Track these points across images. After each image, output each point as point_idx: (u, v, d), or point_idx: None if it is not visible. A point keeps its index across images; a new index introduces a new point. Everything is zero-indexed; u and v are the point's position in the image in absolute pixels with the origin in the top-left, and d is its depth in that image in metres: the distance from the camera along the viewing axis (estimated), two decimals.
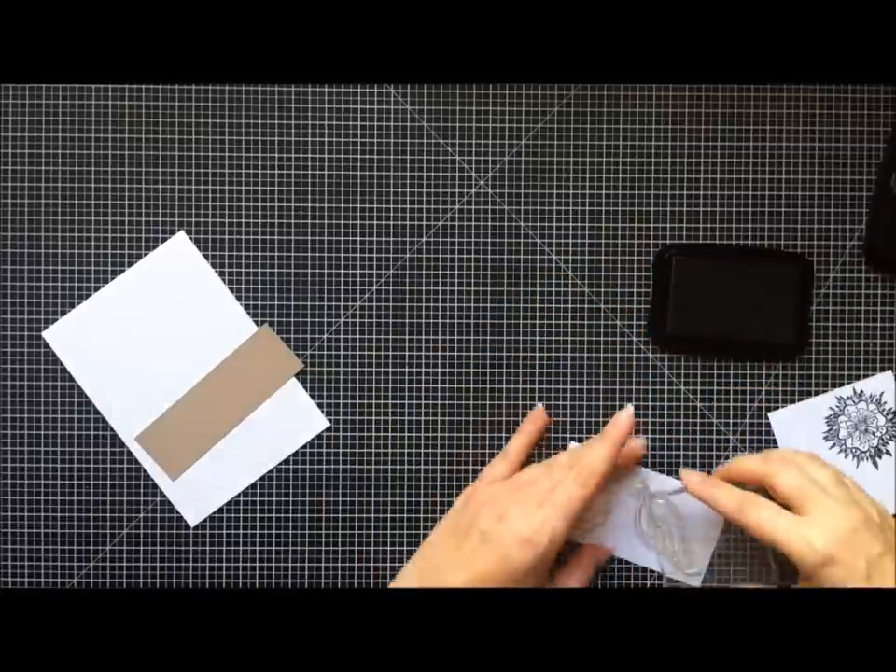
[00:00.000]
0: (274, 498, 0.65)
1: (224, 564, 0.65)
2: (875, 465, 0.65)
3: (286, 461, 0.65)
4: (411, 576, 0.59)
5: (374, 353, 0.65)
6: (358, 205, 0.65)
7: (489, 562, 0.56)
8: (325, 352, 0.65)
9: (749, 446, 0.65)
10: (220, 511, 0.65)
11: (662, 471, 0.65)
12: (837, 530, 0.54)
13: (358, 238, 0.65)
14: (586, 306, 0.65)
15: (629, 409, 0.60)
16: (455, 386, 0.65)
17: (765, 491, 0.58)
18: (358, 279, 0.65)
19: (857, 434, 0.65)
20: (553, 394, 0.65)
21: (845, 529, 0.54)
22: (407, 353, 0.65)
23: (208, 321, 0.64)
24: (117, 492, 0.64)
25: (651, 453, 0.65)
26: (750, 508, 0.56)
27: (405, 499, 0.65)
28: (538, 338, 0.65)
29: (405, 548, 0.65)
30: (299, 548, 0.65)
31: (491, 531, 0.57)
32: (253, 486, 0.65)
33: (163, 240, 0.65)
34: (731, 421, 0.65)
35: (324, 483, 0.65)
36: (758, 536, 0.55)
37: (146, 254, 0.64)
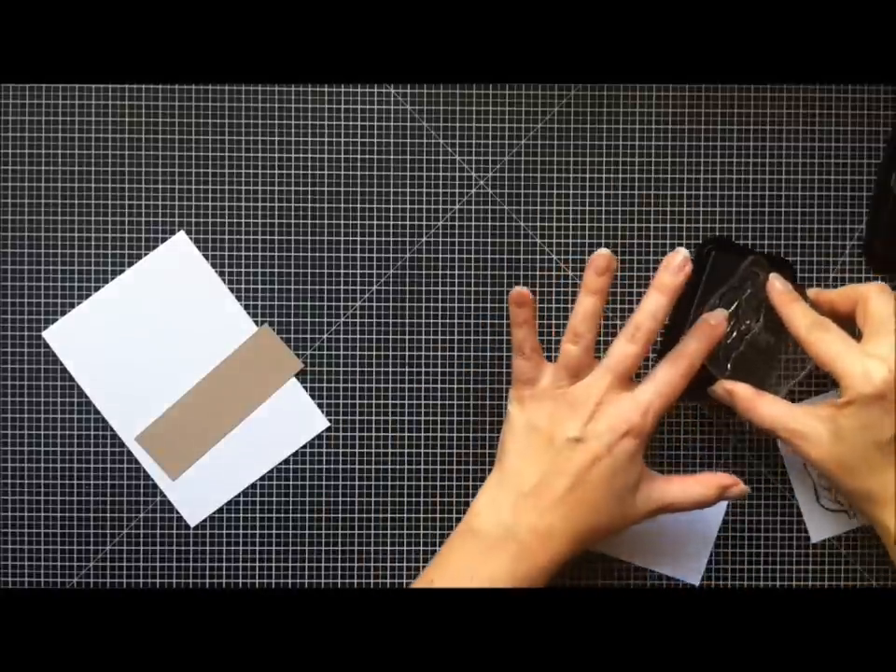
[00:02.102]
0: (274, 498, 0.65)
1: (224, 564, 0.65)
2: None
3: (286, 461, 0.65)
4: (494, 502, 0.56)
5: (374, 353, 0.65)
6: (358, 205, 0.65)
7: (591, 462, 0.54)
8: (325, 352, 0.65)
9: (749, 446, 0.65)
10: (220, 510, 0.65)
11: (661, 472, 0.65)
12: None
13: (358, 238, 0.65)
14: None
15: (681, 252, 0.58)
16: (455, 386, 0.65)
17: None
18: (358, 279, 0.65)
19: None
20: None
21: None
22: (407, 353, 0.65)
23: (208, 321, 0.64)
24: (117, 492, 0.64)
25: (651, 453, 0.65)
26: (819, 331, 0.56)
27: (405, 499, 0.65)
28: (537, 339, 0.65)
29: (405, 548, 0.65)
30: (299, 548, 0.65)
31: (585, 433, 0.55)
32: (253, 486, 0.65)
33: (163, 240, 0.65)
34: (731, 421, 0.65)
35: (324, 483, 0.65)
36: (820, 359, 0.55)
37: (146, 254, 0.64)
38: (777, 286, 0.58)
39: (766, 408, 0.57)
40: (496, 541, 0.55)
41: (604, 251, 0.57)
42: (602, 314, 0.58)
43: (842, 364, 0.54)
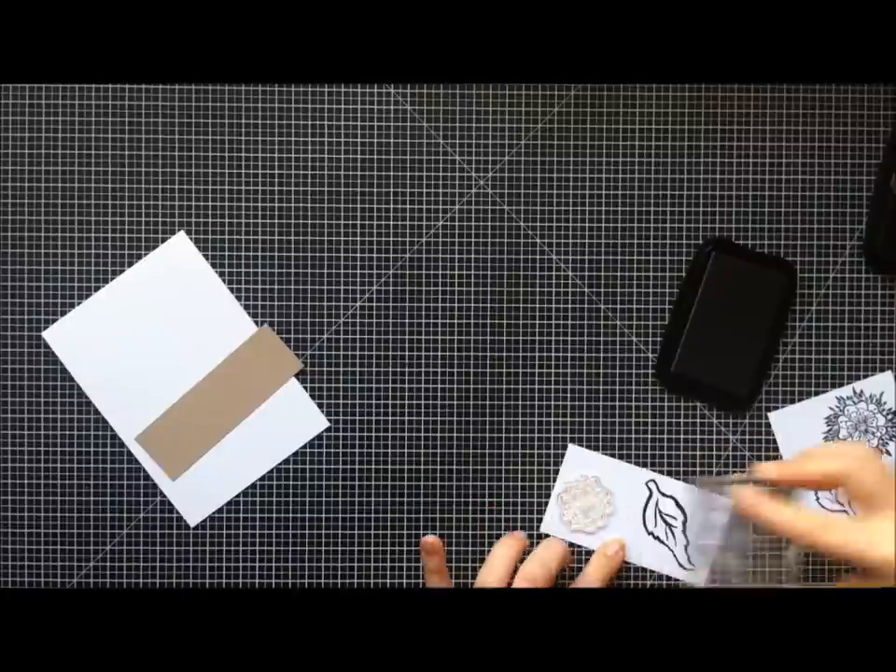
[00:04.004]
0: (274, 498, 0.65)
1: (224, 564, 0.65)
2: None
3: (286, 461, 0.65)
4: None
5: (374, 353, 0.65)
6: (358, 205, 0.65)
7: None
8: (325, 352, 0.65)
9: (749, 446, 0.65)
10: (220, 511, 0.65)
11: (661, 471, 0.65)
12: None
13: (358, 238, 0.65)
14: (586, 306, 0.65)
15: None
16: (455, 386, 0.65)
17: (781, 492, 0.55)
18: (358, 279, 0.65)
19: (857, 434, 0.65)
20: (553, 394, 0.65)
21: None
22: (407, 353, 0.65)
23: (208, 321, 0.64)
24: (117, 492, 0.64)
25: (652, 453, 0.65)
26: (823, 531, 0.51)
27: (405, 499, 0.65)
28: (538, 338, 0.65)
29: (405, 548, 0.65)
30: (299, 548, 0.65)
31: None
32: (253, 486, 0.65)
33: (163, 240, 0.65)
34: (731, 421, 0.65)
35: (324, 483, 0.65)
36: (832, 556, 0.52)
37: (146, 254, 0.64)
38: (747, 500, 0.53)
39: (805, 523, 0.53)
40: None
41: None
42: (514, 559, 0.61)
43: (857, 553, 0.51)
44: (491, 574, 0.60)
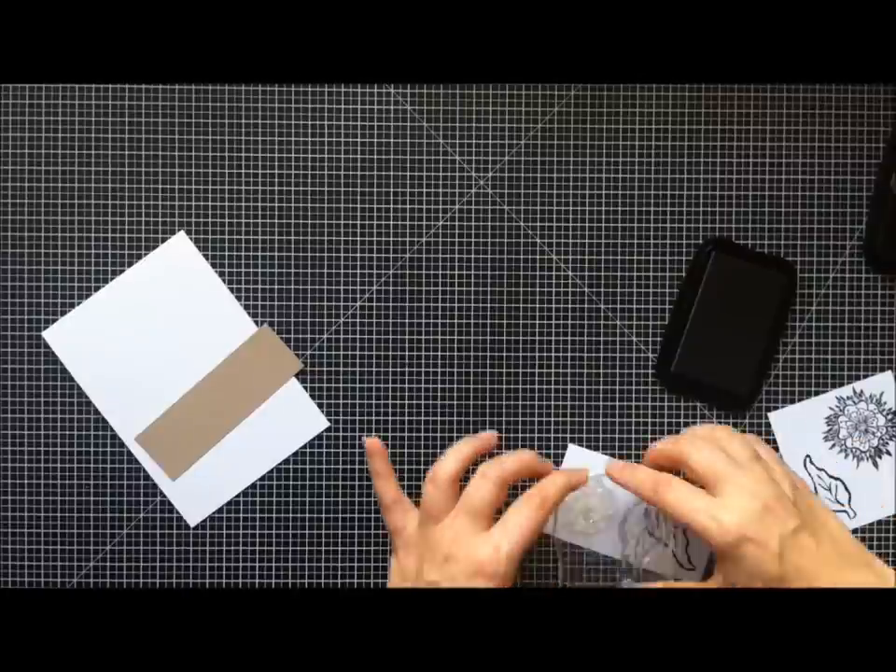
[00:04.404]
0: (274, 498, 0.65)
1: (224, 564, 0.65)
2: (875, 465, 0.65)
3: (286, 461, 0.65)
4: None
5: (374, 353, 0.65)
6: (358, 205, 0.65)
7: None
8: (325, 352, 0.65)
9: None
10: (220, 510, 0.65)
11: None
12: (748, 509, 0.53)
13: (358, 238, 0.65)
14: (586, 306, 0.65)
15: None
16: (455, 386, 0.65)
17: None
18: (358, 279, 0.65)
19: (857, 434, 0.65)
20: (552, 394, 0.65)
21: (756, 508, 0.53)
22: (407, 353, 0.65)
23: (208, 321, 0.64)
24: (117, 492, 0.64)
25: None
26: (665, 488, 0.55)
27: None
28: (538, 338, 0.65)
29: None
30: (299, 548, 0.65)
31: (442, 576, 0.56)
32: (253, 486, 0.65)
33: (163, 240, 0.65)
34: (731, 421, 0.65)
35: (324, 483, 0.65)
36: (673, 516, 0.55)
37: (146, 254, 0.64)
38: (613, 466, 0.58)
39: None
40: None
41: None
42: (469, 458, 0.58)
43: (695, 519, 0.54)
44: (441, 468, 0.58)
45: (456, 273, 0.65)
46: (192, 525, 0.65)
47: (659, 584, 0.59)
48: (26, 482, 0.64)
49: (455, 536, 0.56)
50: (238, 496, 0.65)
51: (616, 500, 0.64)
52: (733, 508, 0.53)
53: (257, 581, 0.65)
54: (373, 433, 0.65)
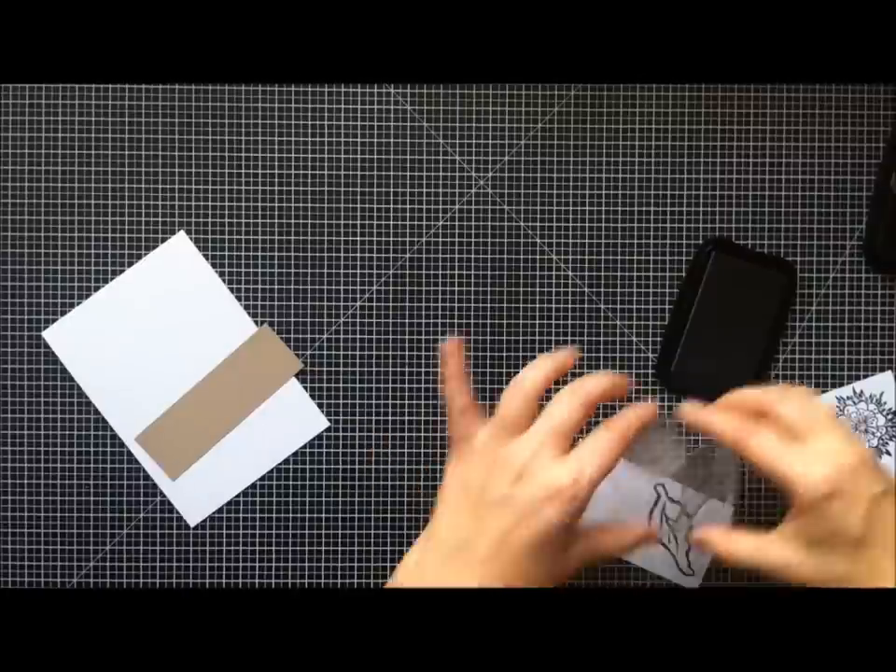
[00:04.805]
0: (274, 498, 0.65)
1: (224, 564, 0.65)
2: None
3: (286, 461, 0.65)
4: (418, 565, 0.53)
5: (374, 353, 0.65)
6: (358, 205, 0.65)
7: (515, 525, 0.51)
8: (325, 352, 0.65)
9: None
10: (220, 510, 0.65)
11: None
12: (842, 462, 0.50)
13: (358, 238, 0.65)
14: (586, 306, 0.65)
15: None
16: None
17: None
18: (358, 279, 0.65)
19: (857, 434, 0.65)
20: (553, 394, 0.65)
21: (849, 462, 0.51)
22: (407, 353, 0.65)
23: (208, 321, 0.64)
24: (117, 492, 0.64)
25: None
26: (751, 435, 0.52)
27: (405, 499, 0.65)
28: (538, 338, 0.65)
29: (405, 548, 0.65)
30: (299, 548, 0.65)
31: (514, 493, 0.51)
32: (253, 486, 0.65)
33: (163, 240, 0.65)
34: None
35: (324, 483, 0.65)
36: (758, 465, 0.52)
37: (146, 254, 0.64)
38: (687, 408, 0.55)
39: (741, 546, 0.54)
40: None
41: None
42: (552, 375, 0.54)
43: (785, 468, 0.51)
44: (525, 378, 0.54)
45: (456, 273, 0.65)
46: (192, 525, 0.65)
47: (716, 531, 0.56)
48: (26, 482, 0.64)
49: (534, 453, 0.52)
50: (238, 496, 0.65)
51: (623, 501, 0.64)
52: (825, 460, 0.51)
53: (257, 581, 0.65)
54: (373, 433, 0.65)
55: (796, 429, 0.52)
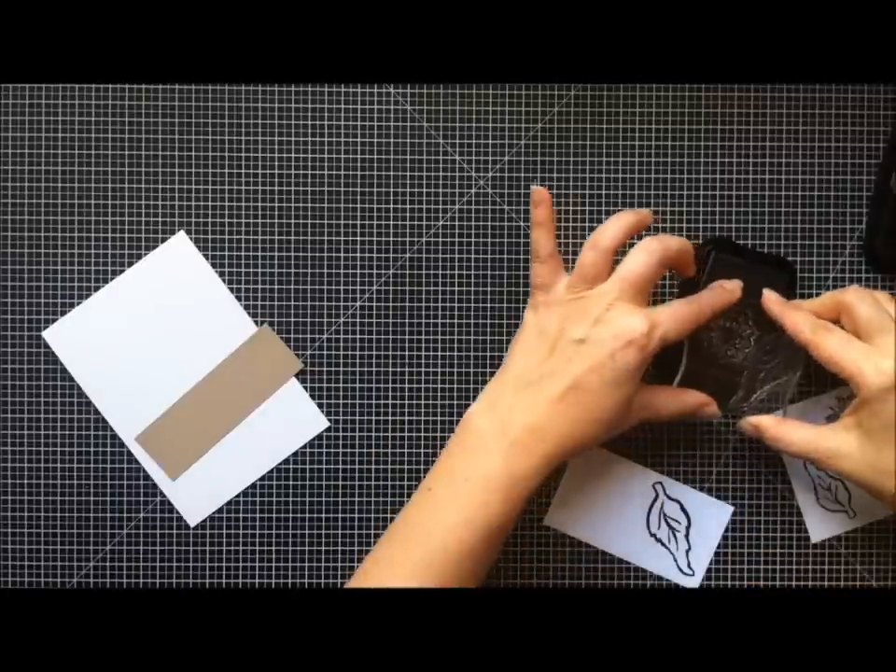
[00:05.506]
0: (274, 498, 0.65)
1: (224, 564, 0.65)
2: None
3: (286, 461, 0.65)
4: (488, 395, 0.57)
5: (374, 353, 0.65)
6: (358, 205, 0.65)
7: (587, 367, 0.54)
8: (325, 352, 0.65)
9: (748, 446, 0.65)
10: (220, 510, 0.65)
11: (661, 471, 0.65)
12: None
13: (358, 238, 0.65)
14: None
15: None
16: (455, 386, 0.65)
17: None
18: (358, 279, 0.65)
19: None
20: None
21: None
22: (407, 353, 0.65)
23: (208, 321, 0.64)
24: (117, 492, 0.64)
25: (651, 453, 0.65)
26: (824, 332, 0.56)
27: (405, 499, 0.65)
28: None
29: None
30: (299, 548, 0.65)
31: (589, 336, 0.55)
32: (253, 486, 0.65)
33: (163, 240, 0.65)
34: (731, 421, 0.65)
35: (324, 483, 0.65)
36: (826, 361, 0.56)
37: (146, 254, 0.64)
38: (772, 296, 0.59)
39: (793, 434, 0.58)
40: (491, 438, 0.55)
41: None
42: (631, 229, 0.57)
43: (851, 362, 0.55)
44: (603, 233, 0.57)
45: (456, 273, 0.65)
46: (192, 525, 0.65)
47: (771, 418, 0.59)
48: (26, 482, 0.64)
49: (611, 303, 0.55)
50: (238, 496, 0.65)
51: (620, 497, 0.63)
52: (888, 355, 0.54)
53: (257, 581, 0.65)
54: (373, 433, 0.65)
55: (867, 329, 0.56)
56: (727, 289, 0.59)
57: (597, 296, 0.56)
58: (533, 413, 0.54)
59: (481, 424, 0.55)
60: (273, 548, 0.65)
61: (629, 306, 0.55)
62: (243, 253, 0.65)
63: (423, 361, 0.65)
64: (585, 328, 0.55)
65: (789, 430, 0.58)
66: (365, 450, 0.65)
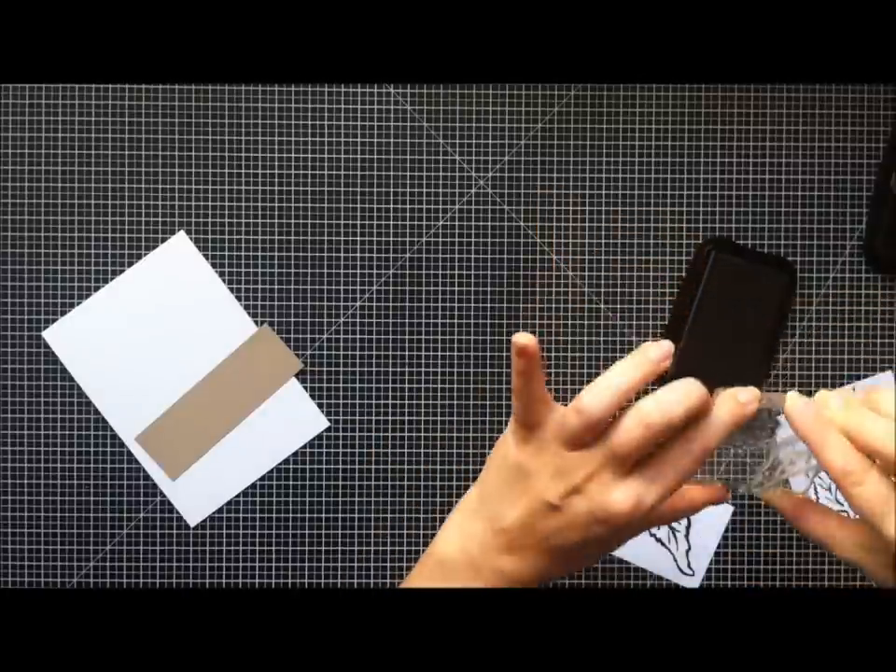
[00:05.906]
0: (274, 498, 0.65)
1: (224, 564, 0.65)
2: None
3: (286, 461, 0.65)
4: (449, 521, 0.53)
5: (374, 353, 0.65)
6: (358, 205, 0.65)
7: (554, 529, 0.50)
8: (325, 352, 0.65)
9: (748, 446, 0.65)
10: (220, 510, 0.65)
11: None
12: None
13: (358, 238, 0.65)
14: (586, 306, 0.65)
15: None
16: (455, 386, 0.65)
17: None
18: (358, 279, 0.65)
19: None
20: (553, 394, 0.65)
21: None
22: (407, 353, 0.65)
23: (208, 321, 0.64)
24: (117, 492, 0.64)
25: None
26: (859, 479, 0.45)
27: (405, 499, 0.65)
28: (538, 338, 0.65)
29: (405, 548, 0.65)
30: (299, 548, 0.65)
31: (563, 505, 0.49)
32: (253, 486, 0.65)
33: (163, 240, 0.65)
34: None
35: (324, 483, 0.65)
36: (857, 510, 0.46)
37: (146, 254, 0.64)
38: (798, 405, 0.47)
39: (819, 527, 0.50)
40: (459, 570, 0.53)
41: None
42: (629, 392, 0.49)
43: (885, 528, 0.45)
44: (594, 402, 0.48)
45: (456, 273, 0.65)
46: (192, 525, 0.65)
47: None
48: (26, 482, 0.64)
49: (592, 473, 0.49)
50: (238, 496, 0.65)
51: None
52: None
53: (257, 581, 0.65)
54: (373, 433, 0.65)
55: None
56: (741, 402, 0.50)
57: (579, 460, 0.49)
58: (504, 557, 0.52)
59: (450, 553, 0.53)
60: (273, 548, 0.65)
61: (611, 480, 0.49)
62: (243, 253, 0.65)
63: (423, 361, 0.65)
64: (561, 493, 0.49)
65: (812, 521, 0.50)
66: (365, 450, 0.65)
